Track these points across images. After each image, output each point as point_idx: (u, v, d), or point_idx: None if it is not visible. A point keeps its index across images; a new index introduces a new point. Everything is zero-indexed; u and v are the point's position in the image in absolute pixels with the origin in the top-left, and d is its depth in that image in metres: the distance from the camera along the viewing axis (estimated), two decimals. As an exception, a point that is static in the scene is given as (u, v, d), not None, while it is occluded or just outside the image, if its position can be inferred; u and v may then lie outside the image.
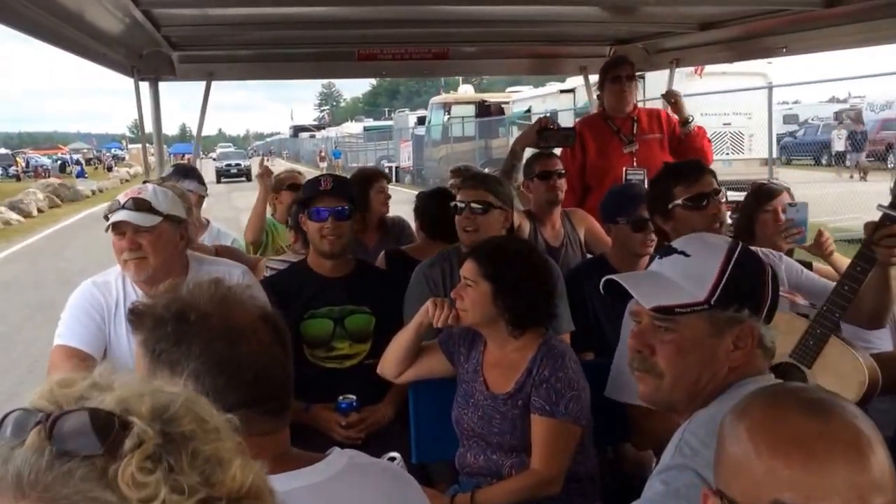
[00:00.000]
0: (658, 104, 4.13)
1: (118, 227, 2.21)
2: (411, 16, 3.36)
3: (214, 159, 39.96)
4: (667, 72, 4.20)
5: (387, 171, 7.61)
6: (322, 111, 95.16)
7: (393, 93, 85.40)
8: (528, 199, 3.37)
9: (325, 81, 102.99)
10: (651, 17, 3.62)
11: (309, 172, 5.75)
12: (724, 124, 11.51)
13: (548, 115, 5.94)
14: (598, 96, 3.99)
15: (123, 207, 2.21)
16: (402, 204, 4.60)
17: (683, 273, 1.37)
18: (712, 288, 1.34)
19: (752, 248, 2.17)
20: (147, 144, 4.30)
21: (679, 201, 2.37)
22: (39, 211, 22.17)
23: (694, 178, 2.39)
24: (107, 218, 2.23)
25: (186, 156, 11.64)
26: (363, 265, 2.82)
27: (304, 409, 2.45)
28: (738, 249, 1.40)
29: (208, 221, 3.98)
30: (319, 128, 55.89)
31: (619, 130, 3.73)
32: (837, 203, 10.42)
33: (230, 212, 16.85)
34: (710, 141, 3.94)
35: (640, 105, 3.94)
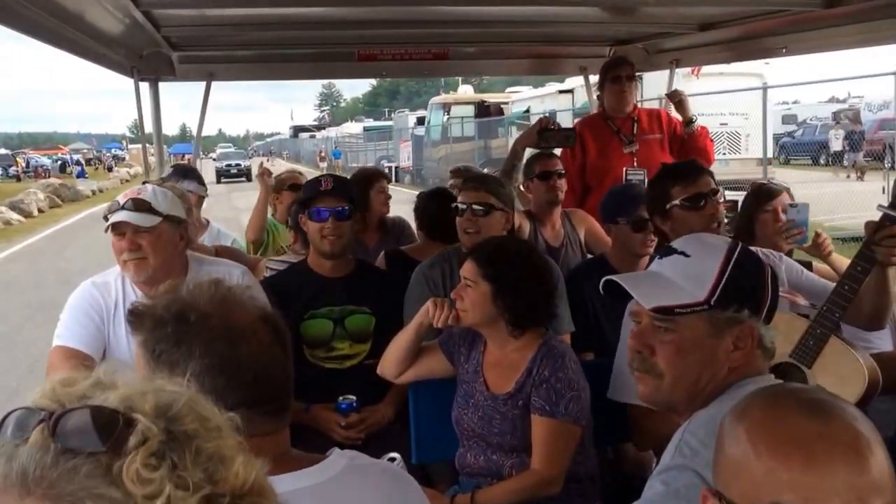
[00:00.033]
0: (655, 104, 4.13)
1: (118, 228, 2.21)
2: (411, 16, 3.36)
3: (214, 159, 39.98)
4: (662, 72, 4.21)
5: (386, 171, 7.62)
6: (322, 111, 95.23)
7: (393, 93, 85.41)
8: (528, 199, 3.37)
9: (325, 82, 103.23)
10: (651, 18, 3.62)
11: (309, 173, 5.76)
12: (721, 124, 11.55)
13: (546, 115, 5.94)
14: (598, 96, 3.99)
15: (123, 208, 2.21)
16: (401, 204, 4.60)
17: (683, 273, 1.38)
18: (712, 288, 1.34)
19: (753, 248, 2.18)
20: (147, 145, 4.30)
21: (677, 201, 2.38)
22: (40, 211, 22.21)
23: (692, 179, 2.40)
24: (106, 219, 2.23)
25: (186, 156, 11.65)
26: (363, 265, 2.82)
27: (304, 410, 2.45)
28: (738, 250, 1.40)
29: (208, 222, 3.98)
30: (319, 128, 55.90)
31: (619, 130, 3.73)
32: (833, 202, 10.46)
33: (230, 212, 16.90)
34: (712, 141, 3.95)
35: (639, 105, 3.95)
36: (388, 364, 2.32)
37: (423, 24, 3.52)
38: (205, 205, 3.94)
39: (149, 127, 4.08)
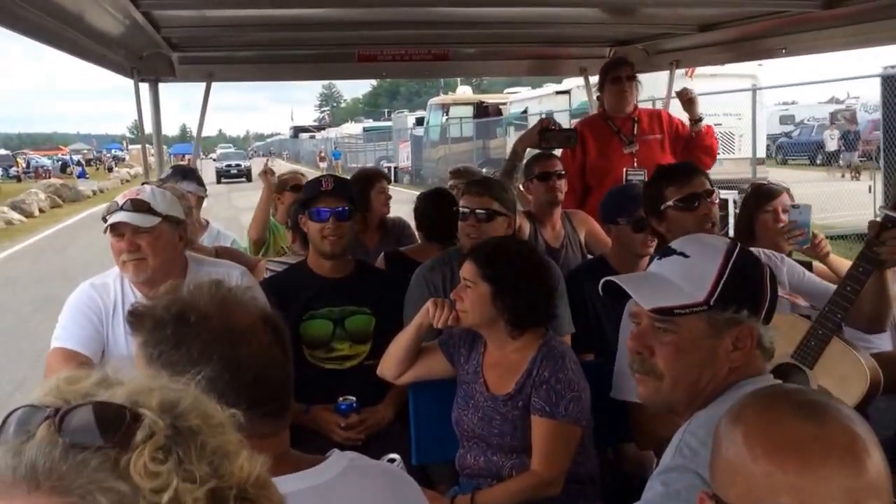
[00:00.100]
0: (649, 105, 4.13)
1: (116, 229, 2.21)
2: (411, 17, 3.36)
3: (214, 160, 39.99)
4: (658, 73, 4.21)
5: (386, 171, 7.64)
6: (322, 112, 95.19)
7: (393, 94, 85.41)
8: (527, 199, 3.37)
9: (325, 83, 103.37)
10: (651, 19, 3.62)
11: (309, 173, 5.78)
12: (715, 125, 11.63)
13: (544, 115, 5.95)
14: (598, 97, 4.00)
15: (122, 209, 2.21)
16: (401, 204, 4.61)
17: (682, 274, 1.38)
18: (711, 289, 1.34)
19: (754, 248, 2.19)
20: (147, 145, 4.31)
21: (671, 202, 2.39)
22: (41, 211, 22.28)
23: (685, 180, 2.41)
24: (105, 220, 2.22)
25: (186, 156, 11.66)
26: (363, 266, 2.82)
27: (304, 411, 2.45)
28: (737, 250, 1.40)
29: (208, 222, 3.98)
30: (319, 128, 55.95)
31: (619, 131, 3.73)
32: (825, 201, 10.51)
33: (230, 211, 17.04)
34: (716, 139, 3.96)
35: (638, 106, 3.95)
36: (388, 365, 2.32)
37: (424, 25, 3.52)
38: (205, 205, 3.94)
39: (149, 127, 4.08)
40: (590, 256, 3.26)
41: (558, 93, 16.93)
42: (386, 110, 58.18)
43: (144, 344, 1.06)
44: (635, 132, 3.73)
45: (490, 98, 24.28)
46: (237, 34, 3.62)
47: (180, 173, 3.72)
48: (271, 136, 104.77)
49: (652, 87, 4.17)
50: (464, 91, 27.54)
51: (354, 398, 2.47)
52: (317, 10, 3.10)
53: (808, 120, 26.58)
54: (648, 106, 4.12)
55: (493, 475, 2.12)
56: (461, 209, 2.66)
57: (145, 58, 3.70)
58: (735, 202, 8.18)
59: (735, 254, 1.39)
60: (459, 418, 2.20)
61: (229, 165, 35.87)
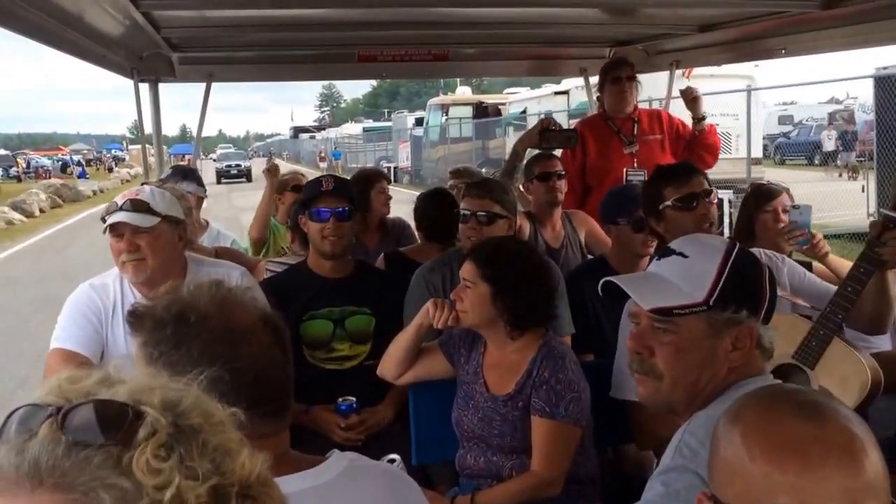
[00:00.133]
0: (646, 105, 4.14)
1: (116, 229, 2.20)
2: (411, 18, 3.36)
3: (215, 160, 40.02)
4: (655, 73, 4.21)
5: (385, 171, 7.66)
6: (322, 112, 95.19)
7: (393, 94, 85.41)
8: (528, 200, 3.37)
9: (325, 83, 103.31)
10: (651, 19, 3.62)
11: (309, 173, 5.80)
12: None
13: (542, 115, 5.97)
14: (598, 97, 4.00)
15: (121, 209, 2.20)
16: (400, 203, 4.61)
17: (681, 274, 1.38)
18: (710, 289, 1.34)
19: (755, 249, 2.19)
20: (147, 145, 4.31)
21: (669, 202, 2.40)
22: (41, 211, 22.32)
23: (684, 179, 2.41)
24: (104, 220, 2.22)
25: (186, 157, 11.66)
26: (363, 266, 2.82)
27: (304, 411, 2.45)
28: (736, 250, 1.40)
29: (207, 223, 3.98)
30: (319, 129, 55.98)
31: (619, 131, 3.73)
32: (822, 201, 10.57)
33: (230, 211, 17.09)
34: (719, 138, 3.97)
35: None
36: (388, 365, 2.32)
37: (424, 25, 3.52)
38: (205, 205, 3.93)
39: (149, 128, 4.08)
40: (590, 257, 3.26)
41: (557, 93, 17.03)
42: (386, 110, 58.22)
43: (144, 344, 1.06)
44: (635, 132, 3.73)
45: (489, 98, 24.35)
46: (237, 34, 3.62)
47: (180, 174, 3.72)
48: (271, 136, 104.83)
49: (650, 88, 4.18)
50: (463, 91, 27.59)
51: (354, 399, 2.47)
52: (317, 10, 3.10)
53: (807, 120, 26.71)
54: (645, 106, 4.12)
55: (493, 476, 2.12)
56: (462, 211, 2.67)
57: (145, 58, 3.70)
58: (730, 202, 8.23)
59: (734, 254, 1.39)
60: (459, 419, 2.20)
61: (229, 166, 35.88)
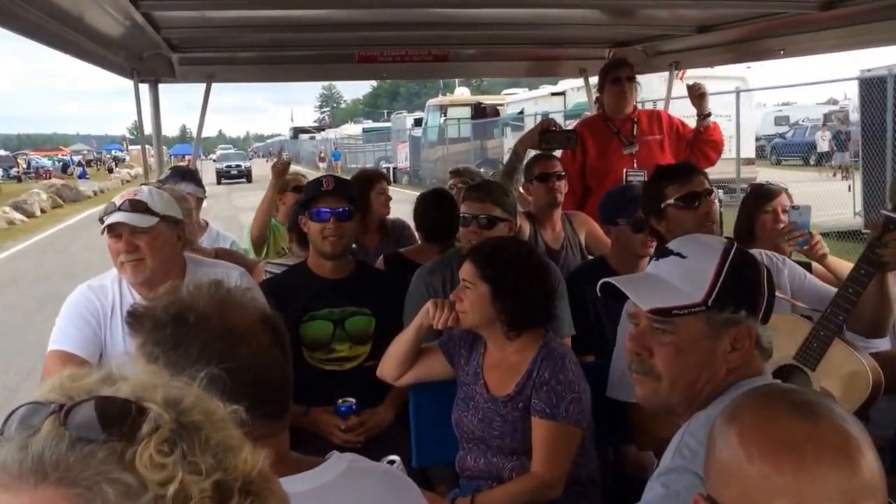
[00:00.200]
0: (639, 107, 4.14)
1: (114, 230, 2.19)
2: (411, 18, 3.36)
3: (214, 161, 40.04)
4: (644, 77, 4.21)
5: (385, 171, 7.68)
6: (322, 113, 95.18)
7: (393, 94, 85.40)
8: (527, 201, 3.37)
9: (325, 83, 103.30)
10: (650, 20, 3.62)
11: (309, 174, 5.81)
12: (706, 126, 11.92)
13: (539, 116, 5.98)
14: (597, 98, 4.00)
15: (119, 209, 2.19)
16: (399, 203, 4.62)
17: (680, 274, 1.38)
18: (709, 289, 1.34)
19: (755, 250, 2.19)
20: (147, 146, 4.31)
21: (671, 200, 2.39)
22: (42, 211, 22.39)
23: (686, 178, 2.41)
24: (102, 221, 2.21)
25: (186, 157, 11.67)
26: (363, 267, 2.81)
27: (304, 413, 2.45)
28: (734, 250, 1.40)
29: (207, 223, 3.98)
30: (319, 129, 56.02)
31: (619, 132, 3.73)
32: (811, 200, 10.66)
33: (230, 211, 17.13)
34: (722, 136, 3.98)
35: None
36: (388, 366, 2.32)
37: (424, 26, 3.53)
38: (204, 205, 3.93)
39: (149, 128, 4.08)
40: (590, 258, 3.26)
41: (553, 94, 17.11)
42: (385, 111, 58.25)
43: (143, 345, 1.06)
44: (635, 133, 3.73)
45: (487, 99, 24.43)
46: (237, 35, 3.62)
47: (179, 174, 3.72)
48: (271, 136, 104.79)
49: (645, 90, 4.19)
50: (462, 92, 27.65)
51: (354, 400, 2.46)
52: (317, 11, 3.10)
53: (803, 121, 26.83)
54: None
55: (494, 477, 2.11)
56: (462, 215, 2.67)
57: (145, 59, 3.70)
58: (720, 201, 8.36)
59: (732, 253, 1.39)
60: (459, 420, 2.19)
61: (229, 166, 35.88)
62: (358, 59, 3.93)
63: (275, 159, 4.30)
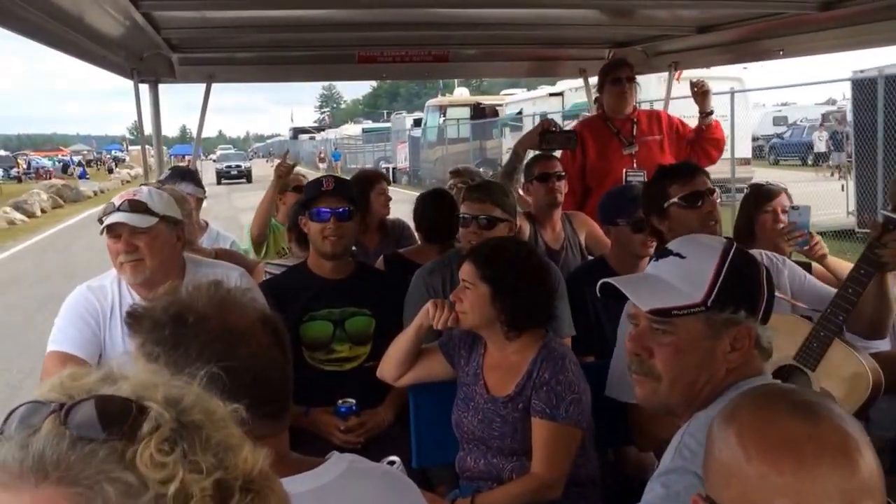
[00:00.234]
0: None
1: (113, 230, 2.19)
2: (411, 19, 3.36)
3: (214, 161, 40.06)
4: (641, 77, 4.21)
5: (385, 171, 7.70)
6: (322, 113, 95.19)
7: (393, 95, 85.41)
8: (527, 201, 3.37)
9: (325, 84, 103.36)
10: (649, 21, 3.62)
11: (308, 174, 5.82)
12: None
13: (537, 116, 5.99)
14: (597, 98, 4.00)
15: (118, 210, 2.19)
16: (399, 204, 4.62)
17: (679, 275, 1.38)
18: (709, 289, 1.34)
19: (755, 250, 2.19)
20: (147, 146, 4.31)
21: (674, 199, 2.39)
22: (43, 211, 22.43)
23: (689, 178, 2.41)
24: (101, 221, 2.21)
25: (186, 157, 11.68)
26: (363, 267, 2.81)
27: (304, 414, 2.44)
28: (733, 250, 1.40)
29: (207, 224, 3.98)
30: (319, 130, 56.04)
31: (618, 132, 3.74)
32: (807, 200, 10.72)
33: (230, 211, 17.17)
34: (724, 134, 3.99)
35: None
36: (388, 367, 2.32)
37: (424, 26, 3.53)
38: (204, 205, 3.93)
39: (149, 128, 4.08)
40: (590, 258, 3.26)
41: (552, 95, 17.17)
42: (385, 111, 58.28)
43: (143, 345, 1.06)
44: (635, 133, 3.74)
45: (486, 99, 24.49)
46: (237, 35, 3.62)
47: (178, 175, 3.71)
48: (271, 137, 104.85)
49: (643, 90, 4.20)
50: (461, 93, 27.68)
51: (354, 401, 2.46)
52: (317, 11, 3.11)
53: (801, 121, 26.89)
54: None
55: (494, 478, 2.11)
56: (462, 215, 2.67)
57: (145, 59, 3.70)
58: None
59: (731, 254, 1.39)
60: (459, 420, 2.19)
61: (229, 166, 35.92)
62: (358, 59, 3.93)
63: (276, 159, 4.30)
